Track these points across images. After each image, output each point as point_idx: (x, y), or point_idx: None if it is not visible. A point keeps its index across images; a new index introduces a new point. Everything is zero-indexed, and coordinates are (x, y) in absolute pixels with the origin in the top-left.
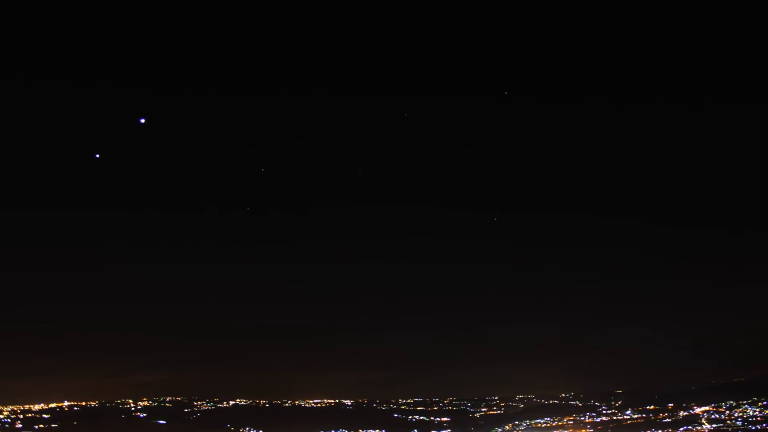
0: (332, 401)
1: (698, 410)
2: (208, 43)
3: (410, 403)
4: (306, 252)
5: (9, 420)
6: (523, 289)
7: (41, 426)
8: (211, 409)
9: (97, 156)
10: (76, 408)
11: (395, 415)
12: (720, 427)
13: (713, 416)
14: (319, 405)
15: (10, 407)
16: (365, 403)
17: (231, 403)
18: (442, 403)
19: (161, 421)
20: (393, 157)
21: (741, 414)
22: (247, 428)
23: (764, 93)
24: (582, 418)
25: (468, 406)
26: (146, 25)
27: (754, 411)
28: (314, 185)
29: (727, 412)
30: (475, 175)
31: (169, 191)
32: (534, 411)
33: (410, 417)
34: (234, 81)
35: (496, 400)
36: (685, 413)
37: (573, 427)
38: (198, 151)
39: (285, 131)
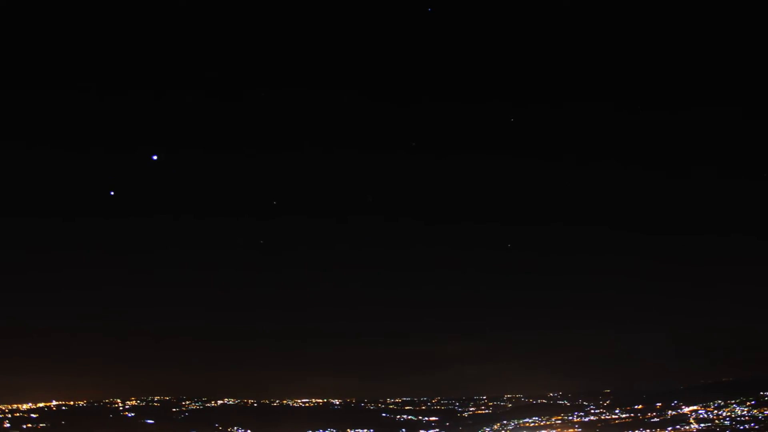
0: (320, 401)
1: (686, 410)
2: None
3: (398, 402)
4: (299, 255)
5: None
6: (514, 289)
7: (29, 425)
8: (200, 408)
9: (112, 193)
10: (64, 408)
11: (383, 415)
12: (708, 426)
13: (701, 416)
14: (307, 404)
15: None
16: (353, 403)
17: (219, 402)
18: (430, 402)
19: (149, 421)
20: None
21: (729, 413)
22: (236, 428)
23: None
24: (570, 418)
25: (456, 406)
26: (150, 35)
27: (743, 410)
28: (314, 187)
29: (716, 411)
30: (474, 183)
31: (170, 196)
32: (522, 410)
33: (398, 416)
34: (235, 86)
35: (484, 400)
36: (674, 413)
37: (561, 426)
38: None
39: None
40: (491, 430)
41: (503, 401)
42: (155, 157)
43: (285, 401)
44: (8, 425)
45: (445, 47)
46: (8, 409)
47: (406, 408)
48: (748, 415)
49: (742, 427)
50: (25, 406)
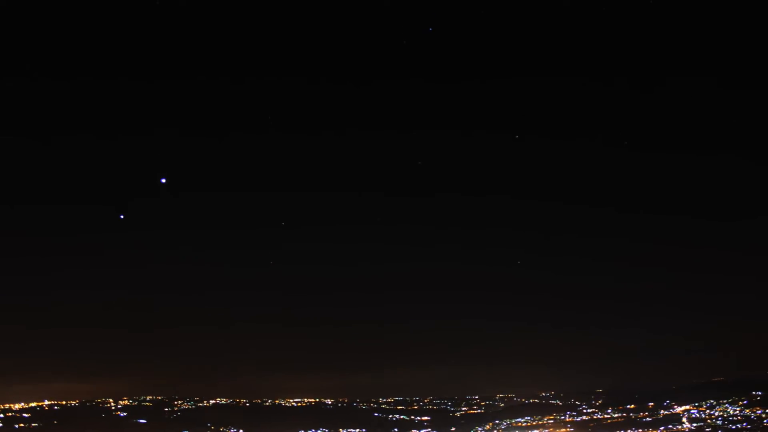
0: (313, 400)
1: (679, 409)
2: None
3: (390, 402)
4: (289, 251)
5: None
6: (505, 288)
7: (21, 425)
8: (192, 408)
9: (122, 217)
10: (56, 407)
11: (375, 414)
12: (700, 426)
13: (694, 415)
14: (299, 404)
15: None
16: (345, 403)
17: (211, 402)
18: (423, 402)
19: (141, 420)
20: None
21: (721, 413)
22: (227, 427)
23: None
24: (562, 417)
25: (448, 406)
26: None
27: (735, 410)
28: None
29: (708, 411)
30: (472, 164)
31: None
32: (514, 410)
33: (390, 416)
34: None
35: (476, 400)
36: (666, 412)
37: (553, 426)
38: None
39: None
40: (483, 429)
41: (495, 401)
42: (164, 180)
43: (277, 401)
44: (0, 425)
45: (447, 66)
46: (0, 409)
47: (399, 408)
48: (740, 415)
49: (734, 427)
50: (17, 406)
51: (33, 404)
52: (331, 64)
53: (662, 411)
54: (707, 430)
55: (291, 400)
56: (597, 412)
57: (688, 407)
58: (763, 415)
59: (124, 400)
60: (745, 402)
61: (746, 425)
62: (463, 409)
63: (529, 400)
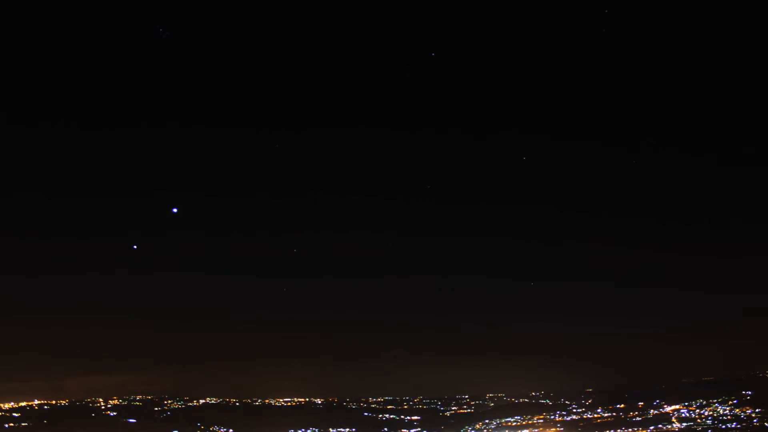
0: (303, 400)
1: (668, 409)
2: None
3: (380, 401)
4: (281, 249)
5: None
6: (497, 286)
7: (11, 425)
8: (182, 407)
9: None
10: (46, 407)
11: (365, 414)
12: (690, 425)
13: (683, 415)
14: (289, 403)
15: None
16: (335, 402)
17: (201, 401)
18: (413, 401)
19: (131, 420)
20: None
21: (711, 413)
22: (217, 427)
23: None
24: (552, 417)
25: (438, 405)
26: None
27: (725, 410)
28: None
29: (698, 410)
30: (465, 168)
31: (165, 182)
32: (504, 410)
33: (380, 416)
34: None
35: (466, 399)
36: (656, 412)
37: (543, 425)
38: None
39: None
40: (473, 429)
41: (485, 400)
42: (175, 210)
43: (267, 400)
44: None
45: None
46: None
47: (388, 407)
48: (730, 414)
49: (724, 426)
50: (7, 405)
51: (23, 404)
52: (340, 81)
53: (652, 411)
54: (697, 429)
55: (281, 400)
56: (587, 412)
57: (677, 407)
58: (753, 415)
59: (114, 399)
60: (735, 401)
61: (736, 425)
62: (453, 408)
63: (518, 399)
